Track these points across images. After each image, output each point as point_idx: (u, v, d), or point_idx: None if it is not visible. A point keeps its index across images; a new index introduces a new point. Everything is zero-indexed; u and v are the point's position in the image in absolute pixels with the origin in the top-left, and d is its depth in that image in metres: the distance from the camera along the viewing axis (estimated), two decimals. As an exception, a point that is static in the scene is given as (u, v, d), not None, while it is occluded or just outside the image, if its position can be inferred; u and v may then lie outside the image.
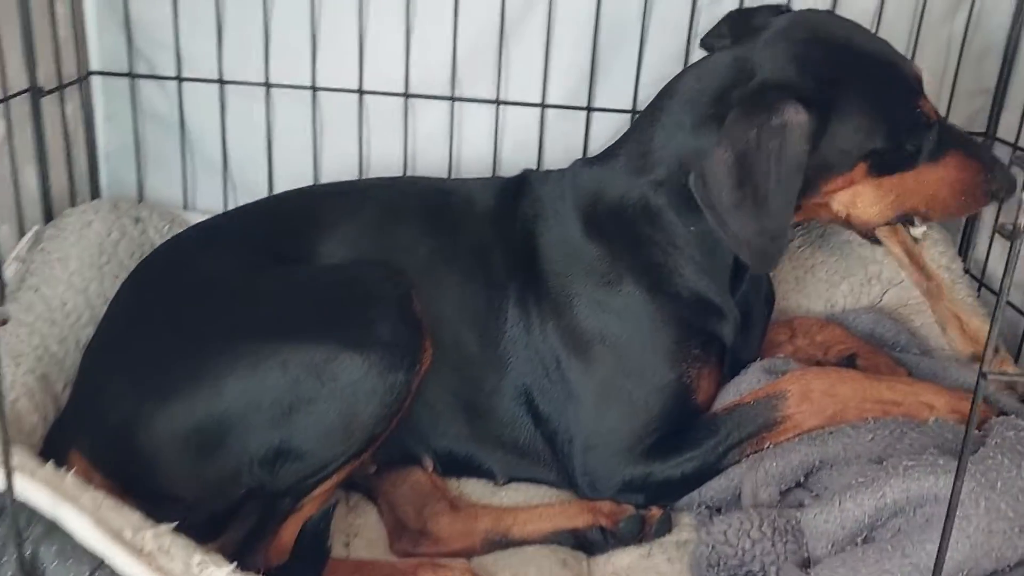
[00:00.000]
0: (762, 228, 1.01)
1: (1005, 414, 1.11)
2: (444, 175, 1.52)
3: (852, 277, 1.42)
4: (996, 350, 1.22)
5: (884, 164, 1.08)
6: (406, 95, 1.48)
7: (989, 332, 0.58)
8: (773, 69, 1.06)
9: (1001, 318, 0.57)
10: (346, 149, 1.52)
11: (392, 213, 1.22)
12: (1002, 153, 1.46)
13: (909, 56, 1.36)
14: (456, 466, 1.19)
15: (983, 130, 1.49)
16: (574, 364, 1.13)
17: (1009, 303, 1.41)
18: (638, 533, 1.08)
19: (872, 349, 1.27)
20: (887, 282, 1.41)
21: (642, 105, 1.34)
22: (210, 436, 0.96)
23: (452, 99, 1.48)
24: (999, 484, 0.85)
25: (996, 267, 1.46)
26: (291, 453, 0.97)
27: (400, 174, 1.53)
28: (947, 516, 0.65)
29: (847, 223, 1.15)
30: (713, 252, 1.14)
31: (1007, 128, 1.45)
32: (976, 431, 1.04)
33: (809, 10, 1.28)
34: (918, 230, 1.17)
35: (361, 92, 1.48)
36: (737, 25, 1.17)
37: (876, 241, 1.22)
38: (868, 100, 1.06)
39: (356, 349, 0.98)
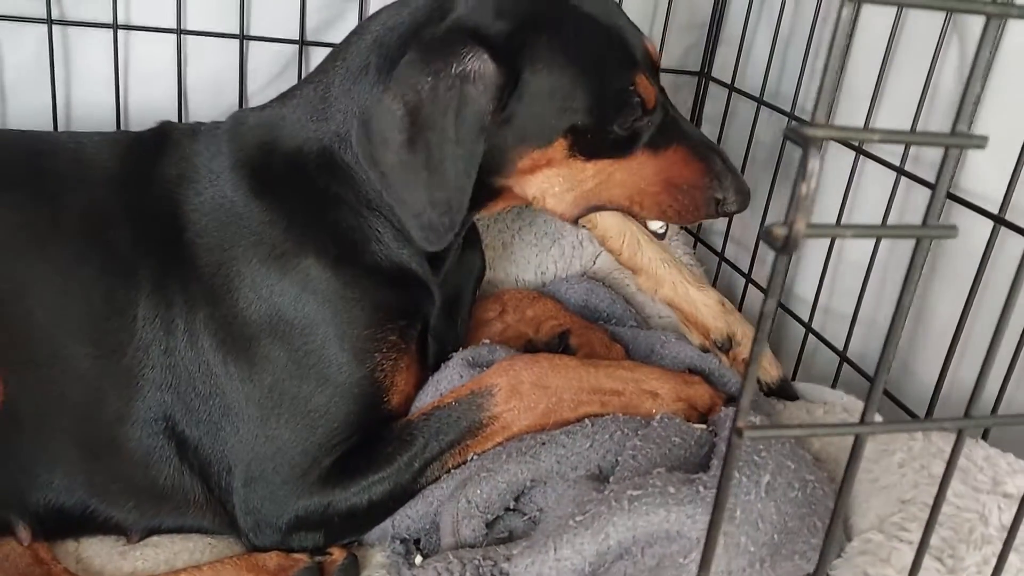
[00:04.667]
0: (434, 198, 0.84)
1: (734, 399, 1.01)
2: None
3: (562, 240, 1.25)
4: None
5: (589, 146, 0.89)
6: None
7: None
8: (469, 7, 0.86)
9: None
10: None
11: None
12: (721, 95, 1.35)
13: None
14: (69, 525, 0.89)
15: (697, 68, 1.37)
16: (233, 369, 0.89)
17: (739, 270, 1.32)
18: (316, 590, 0.86)
19: (585, 324, 1.12)
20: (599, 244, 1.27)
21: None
22: None
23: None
24: (738, 513, 0.71)
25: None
26: None
27: None
28: None
29: (546, 211, 0.97)
30: None
31: (722, 67, 1.34)
32: (702, 427, 0.91)
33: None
34: (654, 225, 1.00)
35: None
36: None
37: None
38: (571, 60, 0.86)
39: None
